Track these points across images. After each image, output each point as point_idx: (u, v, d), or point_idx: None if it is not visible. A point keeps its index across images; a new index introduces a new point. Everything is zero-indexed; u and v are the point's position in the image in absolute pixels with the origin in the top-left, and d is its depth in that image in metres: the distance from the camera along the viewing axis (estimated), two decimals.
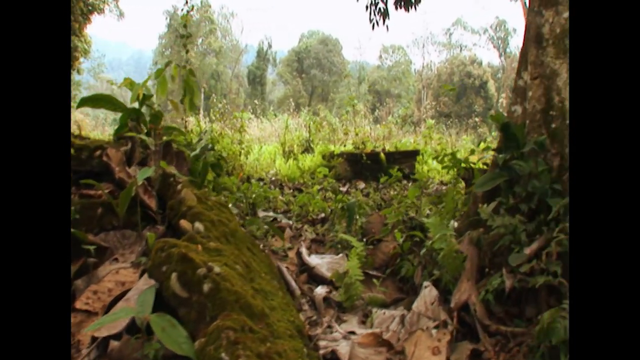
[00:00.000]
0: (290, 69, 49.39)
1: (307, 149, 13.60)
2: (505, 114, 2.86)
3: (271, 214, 6.27)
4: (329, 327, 2.29)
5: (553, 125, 2.51)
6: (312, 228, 5.13)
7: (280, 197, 7.34)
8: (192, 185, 3.10)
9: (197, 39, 50.61)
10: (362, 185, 9.12)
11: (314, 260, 3.32)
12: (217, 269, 1.84)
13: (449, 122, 25.51)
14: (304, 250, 3.53)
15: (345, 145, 12.85)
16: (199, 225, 2.40)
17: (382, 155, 9.87)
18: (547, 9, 2.63)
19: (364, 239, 3.58)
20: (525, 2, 32.77)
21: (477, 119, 26.78)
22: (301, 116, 20.69)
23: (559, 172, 2.42)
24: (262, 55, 49.23)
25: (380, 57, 52.88)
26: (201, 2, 50.25)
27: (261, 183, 9.32)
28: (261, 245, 3.86)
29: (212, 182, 5.79)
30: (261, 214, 6.18)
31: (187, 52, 6.42)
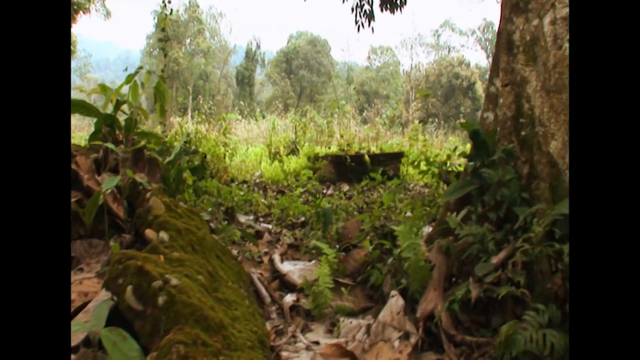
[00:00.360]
0: (278, 70, 49.27)
1: (294, 151, 13.56)
2: (479, 121, 2.85)
3: (251, 218, 6.23)
4: (294, 336, 2.26)
5: (523, 133, 2.50)
6: (290, 232, 5.09)
7: (262, 200, 7.30)
8: (162, 192, 3.05)
9: (185, 39, 50.38)
10: (346, 187, 9.10)
11: (286, 267, 3.29)
12: (174, 281, 1.80)
13: (437, 123, 25.60)
14: (276, 257, 3.50)
15: (330, 147, 12.83)
16: (163, 235, 2.36)
17: (366, 157, 9.86)
18: (518, 16, 2.62)
19: (337, 246, 3.56)
20: None
21: (464, 120, 26.91)
22: (289, 117, 20.63)
23: (528, 180, 2.41)
24: (251, 56, 49.04)
25: (369, 58, 52.95)
26: (189, 2, 50.02)
27: (245, 186, 9.29)
28: (236, 252, 3.83)
29: (191, 186, 5.74)
30: (242, 218, 6.13)
31: (165, 55, 6.36)
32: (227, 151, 10.90)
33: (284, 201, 6.13)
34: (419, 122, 19.46)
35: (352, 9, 11.18)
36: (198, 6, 50.94)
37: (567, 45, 2.40)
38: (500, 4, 2.86)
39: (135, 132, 3.86)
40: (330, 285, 2.66)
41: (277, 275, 3.23)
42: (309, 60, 48.06)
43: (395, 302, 2.23)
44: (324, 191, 8.77)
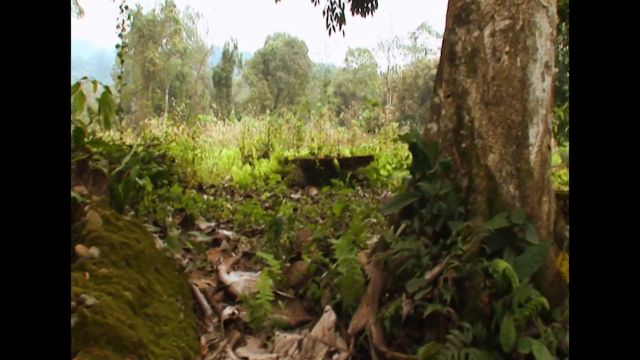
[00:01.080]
0: (256, 71, 49.06)
1: (266, 154, 13.47)
2: (424, 132, 2.84)
3: (213, 224, 6.13)
4: (224, 351, 2.20)
5: (463, 145, 2.49)
6: (248, 240, 5.02)
7: (228, 205, 7.20)
8: (104, 205, 2.97)
9: (162, 39, 49.82)
10: (314, 192, 9.06)
11: (231, 277, 3.23)
12: (89, 301, 1.74)
13: (413, 124, 25.73)
14: (222, 267, 3.44)
15: (298, 151, 12.74)
16: (94, 251, 2.28)
17: (335, 161, 9.84)
18: (460, 27, 2.61)
19: (284, 256, 3.51)
20: None
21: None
22: (265, 119, 20.48)
23: (467, 193, 2.40)
24: (228, 57, 48.70)
25: (346, 59, 53.11)
26: (165, 2, 49.47)
27: (212, 190, 9.17)
28: (186, 261, 3.75)
29: (150, 194, 5.61)
30: (203, 224, 6.03)
31: (122, 62, 6.22)
32: (196, 155, 10.75)
33: (245, 207, 6.05)
34: (397, 122, 19.55)
35: (324, 13, 11.15)
36: (175, 6, 50.42)
37: (505, 57, 2.40)
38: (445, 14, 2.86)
39: (85, 142, 3.75)
40: (270, 298, 2.61)
41: (222, 286, 3.17)
42: (287, 62, 47.98)
43: (328, 317, 2.20)
44: (292, 195, 8.72)
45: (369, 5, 11.11)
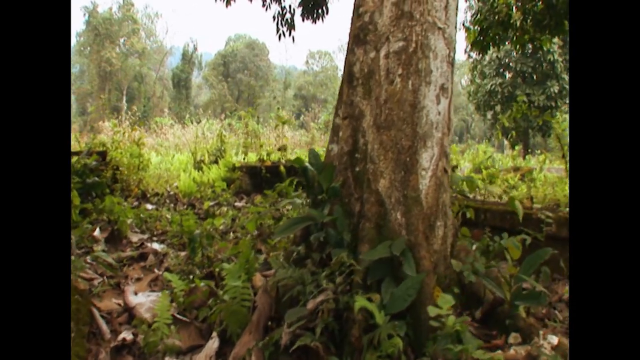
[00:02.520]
0: (216, 73, 48.51)
1: (218, 159, 13.24)
2: (325, 153, 2.78)
3: (146, 236, 5.93)
4: None
5: (357, 169, 2.44)
6: (176, 254, 4.86)
7: (168, 215, 7.00)
8: None
9: (119, 38, 48.65)
10: (259, 200, 8.93)
11: (137, 298, 3.09)
12: None
13: None
14: (128, 288, 3.30)
15: (244, 157, 12.57)
16: None
17: (281, 167, 9.72)
18: (359, 47, 2.57)
19: (191, 276, 3.38)
20: None
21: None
22: (226, 121, 20.20)
23: (359, 219, 2.35)
24: (188, 58, 48.01)
25: (307, 62, 53.10)
26: (123, 1, 48.35)
27: (156, 199, 8.92)
28: (99, 281, 3.59)
29: (78, 207, 5.39)
30: (135, 237, 5.82)
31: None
32: (141, 162, 10.45)
33: (176, 218, 5.87)
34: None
35: (274, 18, 11.05)
36: (133, 5, 49.35)
37: (398, 80, 2.36)
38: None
39: None
40: (168, 321, 2.50)
41: (127, 307, 3.04)
42: (247, 64, 47.63)
43: (212, 344, 2.12)
44: (236, 203, 8.56)
45: (319, 11, 11.08)
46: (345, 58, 2.72)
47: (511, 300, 2.06)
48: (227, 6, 11.23)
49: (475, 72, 29.24)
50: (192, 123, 22.80)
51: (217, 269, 3.13)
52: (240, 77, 47.10)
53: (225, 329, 2.28)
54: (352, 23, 2.67)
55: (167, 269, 4.23)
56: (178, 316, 2.73)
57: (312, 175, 2.45)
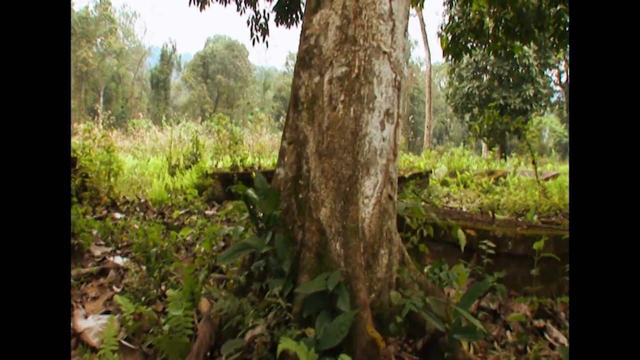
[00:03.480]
0: (195, 74, 48.11)
1: (193, 164, 13.07)
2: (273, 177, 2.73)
3: (110, 249, 5.80)
4: None
5: (300, 196, 2.40)
6: (139, 269, 4.75)
7: (135, 225, 6.87)
8: None
9: (96, 38, 47.93)
10: (230, 208, 8.84)
11: (84, 323, 3.01)
12: None
13: None
14: (78, 312, 3.20)
15: (216, 164, 12.43)
16: None
17: (254, 174, 9.62)
18: (304, 71, 2.52)
19: (143, 297, 3.30)
20: (422, 17, 34.22)
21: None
22: (205, 123, 19.95)
23: (301, 247, 2.31)
24: (166, 59, 47.52)
25: (287, 63, 52.94)
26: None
27: (125, 207, 8.75)
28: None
29: None
30: (98, 250, 5.69)
31: None
32: (112, 169, 10.26)
33: (140, 231, 5.76)
34: None
35: (248, 22, 10.96)
36: (110, 4, 48.65)
37: (340, 106, 2.32)
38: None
39: None
40: (114, 348, 2.43)
41: (74, 333, 2.95)
42: (226, 65, 47.33)
43: None
44: (207, 212, 8.46)
45: (293, 16, 11.03)
46: (292, 81, 2.68)
47: (450, 334, 2.04)
48: (201, 10, 11.12)
49: (453, 75, 29.48)
50: (170, 125, 22.53)
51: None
52: (219, 79, 46.76)
53: (167, 358, 2.22)
54: (299, 45, 2.63)
55: (123, 289, 4.13)
56: (124, 342, 2.65)
57: (255, 202, 2.40)
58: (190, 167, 12.78)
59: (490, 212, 4.99)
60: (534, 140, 9.77)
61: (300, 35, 2.62)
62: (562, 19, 9.57)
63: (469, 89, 28.13)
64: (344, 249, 2.16)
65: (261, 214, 2.46)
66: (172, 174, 12.27)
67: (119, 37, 50.06)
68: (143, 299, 3.26)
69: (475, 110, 28.34)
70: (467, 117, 29.56)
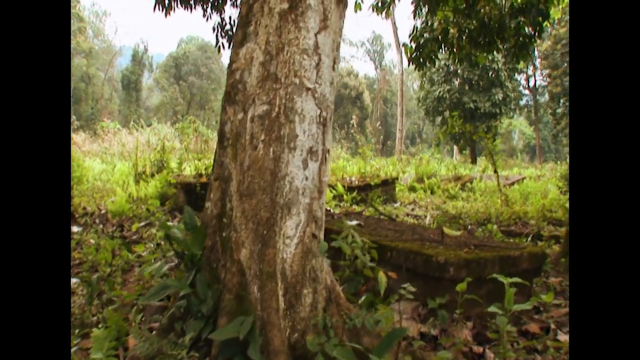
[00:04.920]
0: (167, 75, 47.51)
1: (160, 170, 12.85)
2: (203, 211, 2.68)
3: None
4: None
5: (224, 234, 2.36)
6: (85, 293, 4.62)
7: (91, 240, 6.70)
8: None
9: None
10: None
11: None
12: None
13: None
14: None
15: (175, 171, 12.21)
16: None
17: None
18: (230, 106, 2.48)
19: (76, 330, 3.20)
20: (394, 21, 34.44)
21: (352, 129, 27.63)
22: (175, 126, 19.63)
23: (224, 286, 2.26)
24: (138, 59, 46.79)
25: None
26: None
27: (84, 220, 8.55)
28: None
29: None
30: None
31: None
32: (72, 177, 10.03)
33: (92, 249, 5.61)
34: None
35: (213, 29, 10.85)
36: (79, 2, 47.65)
37: (261, 146, 2.29)
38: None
39: None
40: None
41: None
42: (199, 67, 46.88)
43: None
44: (169, 223, 8.33)
45: None
46: (220, 115, 2.63)
47: None
48: (166, 16, 10.97)
49: (424, 79, 29.79)
50: (141, 128, 22.15)
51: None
52: (192, 80, 46.27)
53: None
54: (227, 78, 2.58)
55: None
56: None
57: (174, 243, 2.35)
58: (156, 173, 12.57)
59: (442, 231, 5.01)
60: (496, 150, 9.91)
61: (228, 69, 2.58)
62: (522, 30, 9.73)
63: (439, 92, 28.48)
64: (261, 293, 2.13)
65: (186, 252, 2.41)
66: (138, 182, 12.05)
67: (88, 37, 49.16)
68: (77, 331, 3.16)
69: (447, 114, 28.70)
70: (438, 120, 29.91)
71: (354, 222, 5.06)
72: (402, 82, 32.53)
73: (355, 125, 24.67)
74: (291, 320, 2.25)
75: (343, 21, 2.64)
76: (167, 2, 10.62)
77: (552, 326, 3.37)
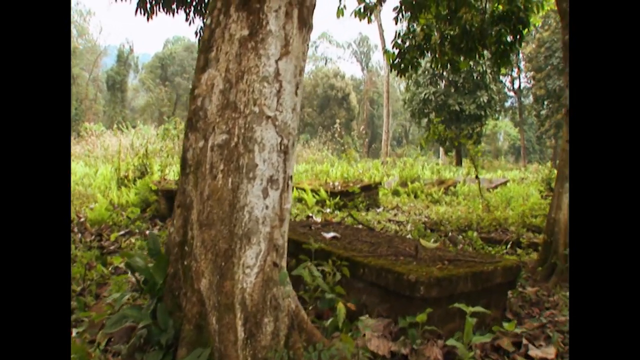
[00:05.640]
0: (153, 76, 47.15)
1: (143, 175, 12.72)
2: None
3: None
4: None
5: (185, 263, 2.34)
6: None
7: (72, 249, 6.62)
8: None
9: None
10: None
11: None
12: None
13: (313, 132, 26.05)
14: None
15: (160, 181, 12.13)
16: None
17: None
18: (192, 133, 2.46)
19: None
20: (380, 23, 34.51)
21: (336, 133, 27.66)
22: (161, 127, 19.44)
23: (184, 316, 2.25)
24: (123, 59, 46.35)
25: None
26: None
27: None
28: None
29: None
30: None
31: None
32: None
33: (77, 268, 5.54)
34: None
35: (196, 34, 10.80)
36: None
37: (220, 176, 2.27)
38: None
39: None
40: None
41: None
42: (186, 67, 46.60)
43: None
44: (147, 232, 8.26)
45: None
46: (183, 141, 2.61)
47: None
48: (148, 20, 10.89)
49: (410, 81, 29.90)
50: (126, 129, 21.92)
51: None
52: (178, 81, 45.94)
53: None
54: (189, 104, 2.56)
55: None
56: None
57: (139, 270, 2.33)
58: (139, 178, 12.44)
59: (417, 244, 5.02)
60: (478, 155, 9.97)
61: (190, 94, 2.56)
62: (503, 38, 9.80)
63: (425, 95, 28.60)
64: (219, 325, 2.12)
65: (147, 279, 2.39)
66: (120, 187, 11.92)
67: (72, 36, 48.55)
68: None
69: (432, 116, 28.84)
70: (424, 122, 30.03)
71: (331, 235, 5.06)
72: (388, 84, 32.61)
73: (339, 128, 24.73)
74: (252, 349, 2.24)
75: (307, 45, 2.63)
76: (149, 6, 10.56)
77: (524, 341, 3.39)
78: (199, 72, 2.50)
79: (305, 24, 2.55)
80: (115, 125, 21.00)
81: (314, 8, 2.63)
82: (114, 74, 45.74)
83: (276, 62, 2.37)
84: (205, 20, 2.45)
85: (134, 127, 23.79)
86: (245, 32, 2.32)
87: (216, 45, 2.42)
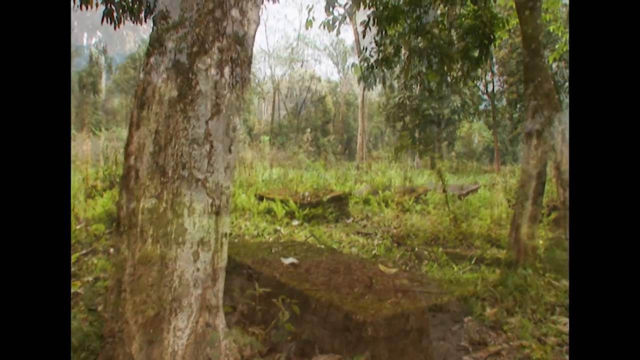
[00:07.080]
0: (127, 77, 46.37)
1: (112, 186, 12.49)
2: None
3: None
4: None
5: (119, 324, 2.33)
6: None
7: None
8: None
9: None
10: None
11: None
12: None
13: (289, 134, 25.97)
14: None
15: None
16: None
17: None
18: (126, 192, 2.45)
19: None
20: (356, 28, 34.60)
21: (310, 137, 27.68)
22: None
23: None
24: (95, 60, 45.51)
25: None
26: None
27: None
28: None
29: None
30: None
31: None
32: None
33: None
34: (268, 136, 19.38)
35: None
36: None
37: (150, 241, 2.27)
38: None
39: None
40: None
41: None
42: None
43: None
44: (111, 250, 8.14)
45: None
46: (117, 199, 2.60)
47: None
48: (115, 29, 10.71)
49: (385, 86, 30.07)
50: (98, 131, 21.49)
51: None
52: None
53: None
54: (124, 160, 2.55)
55: None
56: None
57: (73, 333, 2.31)
58: (109, 189, 12.23)
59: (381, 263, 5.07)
60: (444, 168, 10.11)
61: (124, 149, 2.54)
62: (470, 53, 9.94)
63: (400, 99, 28.78)
64: None
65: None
66: (86, 199, 11.70)
67: None
68: None
69: (407, 119, 29.04)
70: (399, 125, 30.23)
71: (289, 260, 5.06)
72: (364, 89, 32.72)
73: (312, 131, 24.75)
74: None
75: (244, 98, 2.64)
76: (115, 15, 10.41)
77: None
78: (132, 127, 2.49)
79: (240, 80, 2.55)
80: (84, 130, 20.52)
81: (249, 62, 2.63)
82: (85, 74, 44.87)
83: (206, 122, 2.37)
84: (138, 74, 2.45)
85: (107, 129, 23.32)
86: (175, 94, 2.32)
87: (147, 104, 2.40)
